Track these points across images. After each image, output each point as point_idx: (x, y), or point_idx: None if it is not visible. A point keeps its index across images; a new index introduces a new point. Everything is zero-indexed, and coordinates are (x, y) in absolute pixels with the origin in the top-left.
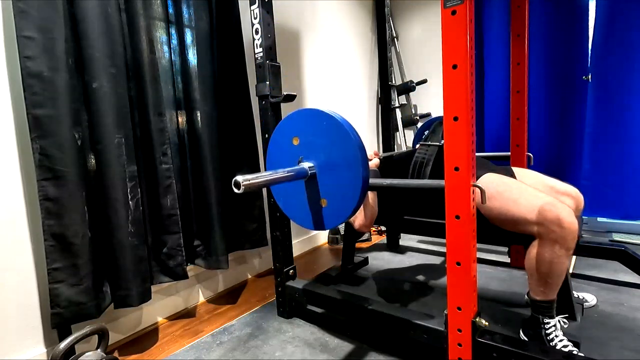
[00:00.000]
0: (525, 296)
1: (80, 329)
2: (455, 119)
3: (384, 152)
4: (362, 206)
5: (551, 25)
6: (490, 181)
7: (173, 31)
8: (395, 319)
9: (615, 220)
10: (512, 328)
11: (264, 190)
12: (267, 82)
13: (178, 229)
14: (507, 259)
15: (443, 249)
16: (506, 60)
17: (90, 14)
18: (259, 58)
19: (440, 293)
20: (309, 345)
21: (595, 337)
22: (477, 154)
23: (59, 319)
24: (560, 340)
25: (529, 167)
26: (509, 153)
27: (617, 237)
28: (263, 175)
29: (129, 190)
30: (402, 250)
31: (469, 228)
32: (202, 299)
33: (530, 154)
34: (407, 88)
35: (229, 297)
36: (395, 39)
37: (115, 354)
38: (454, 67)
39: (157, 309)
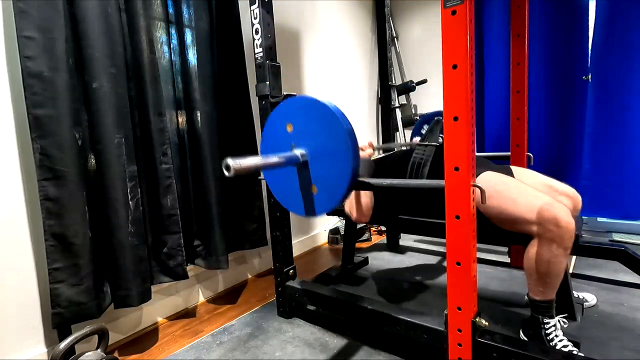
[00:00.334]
0: (525, 296)
1: (80, 329)
2: (455, 119)
3: (383, 152)
4: (358, 197)
5: (551, 25)
6: (489, 180)
7: (173, 31)
8: (395, 319)
9: (615, 220)
10: (512, 328)
11: (264, 190)
12: (267, 82)
13: (178, 229)
14: (507, 259)
15: (443, 249)
16: (506, 60)
17: (90, 14)
18: (259, 58)
19: (440, 293)
20: (309, 345)
21: (595, 337)
22: (476, 153)
23: (59, 319)
24: (560, 340)
25: (529, 167)
26: (509, 153)
27: (617, 237)
28: (254, 159)
29: (129, 190)
30: (402, 250)
31: (469, 228)
32: (202, 299)
33: (530, 154)
34: (407, 88)
35: (229, 297)
36: (395, 39)
37: (115, 354)
38: (454, 67)
39: (157, 309)
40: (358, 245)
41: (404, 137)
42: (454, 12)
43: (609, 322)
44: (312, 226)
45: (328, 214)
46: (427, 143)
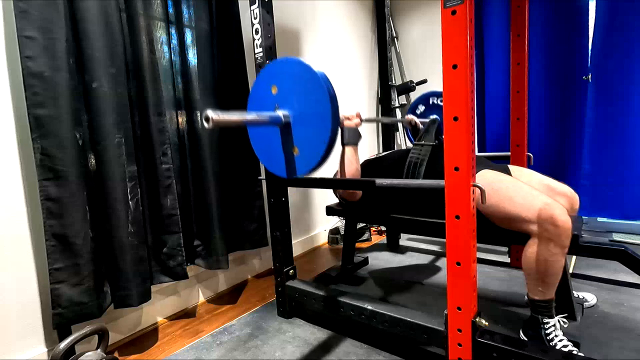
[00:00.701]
0: (525, 296)
1: (80, 329)
2: (455, 119)
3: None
4: (343, 172)
5: (551, 25)
6: (486, 178)
7: (173, 31)
8: (395, 319)
9: (615, 220)
10: (512, 328)
11: (264, 190)
12: None
13: (178, 229)
14: (507, 259)
15: (443, 249)
16: (506, 60)
17: (90, 14)
18: (259, 58)
19: (440, 293)
20: (309, 345)
21: (595, 337)
22: (476, 153)
23: (60, 319)
24: (560, 340)
25: (529, 167)
26: (509, 153)
27: (617, 237)
28: (235, 114)
29: (129, 190)
30: (402, 250)
31: (469, 228)
32: (202, 299)
33: (530, 154)
34: (407, 88)
35: (229, 297)
36: (395, 39)
37: (115, 354)
38: (454, 67)
39: (157, 309)
40: (358, 245)
41: (404, 137)
42: (454, 12)
43: (609, 322)
44: (312, 226)
45: (328, 214)
46: (423, 143)
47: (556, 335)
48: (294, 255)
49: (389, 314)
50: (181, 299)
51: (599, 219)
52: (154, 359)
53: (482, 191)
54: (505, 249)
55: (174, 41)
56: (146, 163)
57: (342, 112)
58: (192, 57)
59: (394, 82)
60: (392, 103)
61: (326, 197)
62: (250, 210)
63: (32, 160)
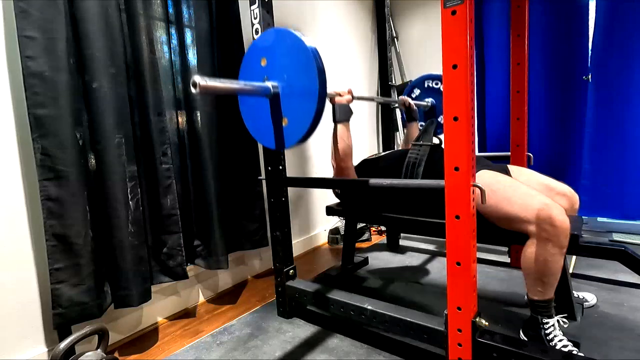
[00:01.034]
0: (525, 296)
1: (80, 329)
2: (455, 119)
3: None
4: (338, 149)
5: (551, 25)
6: (485, 179)
7: (173, 31)
8: (395, 319)
9: (615, 220)
10: (512, 328)
11: (264, 190)
12: None
13: (178, 229)
14: (507, 259)
15: (443, 249)
16: (506, 60)
17: (90, 13)
18: None
19: (440, 293)
20: (309, 345)
21: (595, 337)
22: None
23: (60, 319)
24: (560, 340)
25: (529, 167)
26: (509, 153)
27: (617, 237)
28: (223, 81)
29: (129, 190)
30: (402, 250)
31: (469, 228)
32: (202, 299)
33: (530, 154)
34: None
35: (229, 297)
36: (395, 39)
37: (116, 354)
38: (454, 67)
39: (157, 309)
40: (358, 245)
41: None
42: (454, 12)
43: (609, 322)
44: (312, 226)
45: (328, 214)
46: (421, 143)
47: (556, 335)
48: (294, 255)
49: (389, 314)
50: (181, 299)
51: (599, 219)
52: (154, 359)
53: (482, 191)
54: (505, 249)
55: (174, 41)
56: (146, 163)
57: (334, 88)
58: (192, 57)
59: (394, 82)
60: (392, 103)
61: (326, 197)
62: (251, 210)
63: (32, 160)
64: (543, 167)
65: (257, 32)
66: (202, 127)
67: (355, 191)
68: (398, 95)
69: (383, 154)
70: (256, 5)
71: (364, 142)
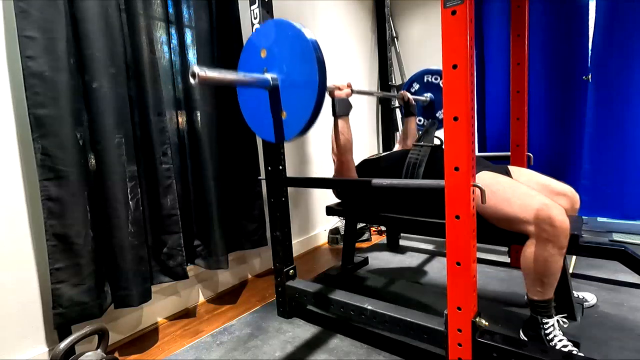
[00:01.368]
0: (525, 296)
1: (81, 329)
2: (455, 119)
3: (383, 151)
4: (339, 144)
5: (551, 25)
6: (485, 180)
7: (173, 31)
8: (395, 319)
9: (615, 220)
10: (512, 328)
11: (264, 190)
12: None
13: (178, 229)
14: (507, 259)
15: (443, 249)
16: (506, 60)
17: (90, 13)
18: None
19: (440, 293)
20: (309, 345)
21: (595, 337)
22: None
23: (61, 319)
24: (560, 340)
25: (529, 167)
26: (509, 153)
27: (617, 237)
28: (222, 72)
29: (129, 190)
30: (402, 250)
31: (469, 228)
32: (202, 299)
33: (530, 154)
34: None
35: (229, 297)
36: (395, 39)
37: (116, 354)
38: (454, 67)
39: (157, 309)
40: (358, 245)
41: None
42: (454, 12)
43: (609, 322)
44: (312, 226)
45: (328, 214)
46: (422, 144)
47: (556, 335)
48: (294, 255)
49: (389, 314)
50: (181, 299)
51: (599, 219)
52: (154, 359)
53: (482, 191)
54: (505, 249)
55: (174, 41)
56: (146, 163)
57: (333, 82)
58: (192, 57)
59: (394, 82)
60: (392, 103)
61: (326, 197)
62: (250, 210)
63: (32, 160)
64: (543, 167)
65: None
66: (202, 127)
67: (355, 191)
68: None
69: (384, 154)
70: (256, 5)
71: (364, 142)
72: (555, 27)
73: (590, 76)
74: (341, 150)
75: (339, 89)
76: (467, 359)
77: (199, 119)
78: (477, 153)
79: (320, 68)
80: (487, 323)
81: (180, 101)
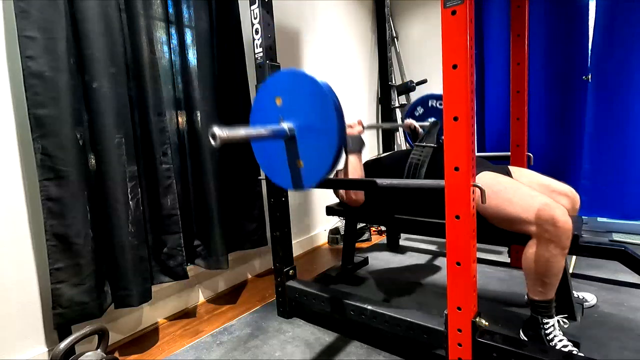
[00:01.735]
0: (525, 296)
1: (81, 329)
2: (455, 119)
3: (384, 151)
4: (349, 174)
5: (551, 25)
6: (486, 180)
7: (173, 31)
8: (395, 319)
9: (615, 220)
10: (512, 328)
11: (264, 190)
12: None
13: (178, 229)
14: (507, 259)
15: (443, 249)
16: (506, 60)
17: (90, 14)
18: (259, 58)
19: (440, 293)
20: (309, 345)
21: (595, 337)
22: (476, 153)
23: (61, 319)
24: (560, 340)
25: (529, 167)
26: (509, 153)
27: (617, 237)
28: (241, 130)
29: (129, 190)
30: (402, 250)
31: (469, 228)
32: (202, 299)
33: (530, 154)
34: (407, 88)
35: (229, 297)
36: (395, 39)
37: (116, 354)
38: (454, 67)
39: (157, 309)
40: (358, 245)
41: (404, 137)
42: (454, 12)
43: (609, 322)
44: (312, 226)
45: (328, 214)
46: (424, 144)
47: (556, 336)
48: (294, 255)
49: (389, 314)
50: (181, 299)
51: (599, 219)
52: (154, 359)
53: (482, 191)
54: (505, 249)
55: (174, 41)
56: (146, 163)
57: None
58: (192, 57)
59: (394, 82)
60: (392, 103)
61: (326, 197)
62: (250, 210)
63: (32, 160)
64: (543, 167)
65: (257, 32)
66: (202, 127)
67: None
68: (398, 95)
69: (386, 154)
70: (256, 5)
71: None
72: (555, 27)
73: (590, 76)
74: (353, 194)
75: (351, 127)
76: (467, 359)
77: (199, 119)
78: (477, 153)
79: (339, 120)
80: (487, 323)
81: (180, 101)
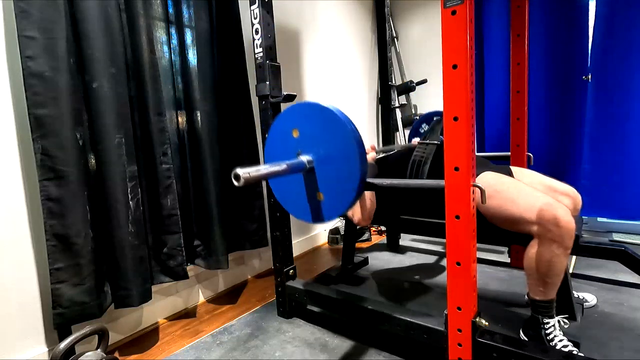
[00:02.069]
0: (525, 296)
1: (81, 329)
2: (455, 119)
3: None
4: (362, 200)
5: (551, 25)
6: (488, 180)
7: (173, 31)
8: (396, 319)
9: (615, 220)
10: (512, 328)
11: (264, 190)
12: (267, 82)
13: (178, 229)
14: (507, 259)
15: (443, 249)
16: (506, 60)
17: (90, 14)
18: (259, 58)
19: (440, 293)
20: (309, 345)
21: (595, 337)
22: (476, 153)
23: (61, 319)
24: (560, 340)
25: (529, 167)
26: (509, 153)
27: (617, 237)
28: (263, 168)
29: (129, 190)
30: (402, 250)
31: (469, 228)
32: (202, 299)
33: (530, 154)
34: (407, 88)
35: (229, 297)
36: (395, 39)
37: (116, 354)
38: (454, 67)
39: (157, 309)
40: (358, 245)
41: (404, 137)
42: (454, 12)
43: (609, 322)
44: (312, 226)
45: None
46: (427, 142)
47: (556, 336)
48: (294, 255)
49: (389, 314)
50: (181, 299)
51: (599, 219)
52: (154, 359)
53: (482, 191)
54: (505, 249)
55: (174, 41)
56: (146, 163)
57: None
58: (192, 57)
59: (394, 82)
60: (392, 103)
61: None
62: (251, 210)
63: (32, 161)
64: (543, 167)
65: (257, 32)
66: (202, 127)
67: None
68: (398, 95)
69: (386, 152)
70: (256, 5)
71: (364, 142)
72: (555, 27)
73: (590, 76)
74: (367, 215)
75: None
76: (467, 359)
77: (199, 119)
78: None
79: (360, 150)
80: (487, 323)
81: (180, 101)
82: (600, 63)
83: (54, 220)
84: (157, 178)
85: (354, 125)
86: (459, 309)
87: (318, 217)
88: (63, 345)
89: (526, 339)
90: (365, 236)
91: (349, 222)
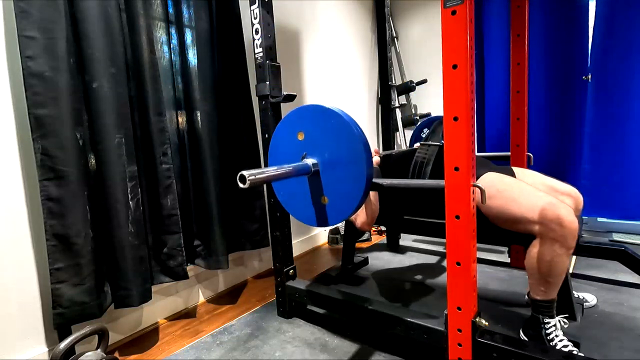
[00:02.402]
0: (526, 296)
1: (80, 329)
2: (455, 119)
3: (383, 151)
4: (366, 205)
5: (551, 25)
6: (491, 180)
7: (173, 31)
8: (396, 319)
9: (615, 220)
10: (512, 328)
11: (265, 190)
12: (267, 82)
13: (178, 229)
14: (507, 259)
15: (443, 249)
16: (506, 60)
17: (90, 14)
18: (259, 58)
19: (440, 293)
20: (309, 345)
21: (595, 337)
22: (477, 154)
23: (61, 319)
24: (561, 340)
25: (529, 167)
26: (509, 153)
27: (617, 237)
28: (268, 170)
29: (129, 190)
30: (402, 250)
31: (469, 228)
32: (202, 299)
33: (530, 154)
34: (407, 88)
35: (229, 297)
36: (395, 39)
37: (116, 354)
38: (454, 67)
39: (157, 309)
40: (358, 245)
41: (404, 137)
42: (454, 12)
43: (609, 322)
44: (312, 226)
45: None
46: (430, 143)
47: (556, 335)
48: (294, 255)
49: (389, 313)
50: (181, 299)
51: (599, 219)
52: (154, 359)
53: (482, 191)
54: (505, 249)
55: (174, 41)
56: (146, 163)
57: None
58: (192, 57)
59: (394, 82)
60: (392, 103)
61: None
62: (251, 210)
63: (32, 161)
64: (543, 167)
65: (257, 32)
66: (202, 127)
67: None
68: (398, 95)
69: (390, 152)
70: (256, 5)
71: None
72: (555, 27)
73: (590, 76)
74: (369, 220)
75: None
76: (467, 359)
77: (199, 119)
78: (477, 153)
79: (367, 154)
80: (487, 323)
81: (180, 101)
82: (600, 63)
83: (54, 220)
84: (157, 178)
85: (360, 129)
86: (459, 309)
87: (322, 220)
88: (63, 345)
89: (526, 338)
90: (365, 236)
91: (349, 222)
